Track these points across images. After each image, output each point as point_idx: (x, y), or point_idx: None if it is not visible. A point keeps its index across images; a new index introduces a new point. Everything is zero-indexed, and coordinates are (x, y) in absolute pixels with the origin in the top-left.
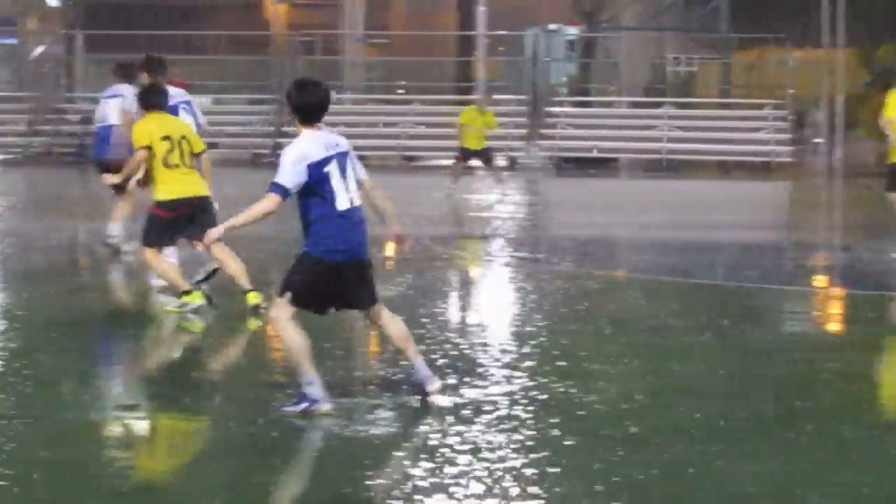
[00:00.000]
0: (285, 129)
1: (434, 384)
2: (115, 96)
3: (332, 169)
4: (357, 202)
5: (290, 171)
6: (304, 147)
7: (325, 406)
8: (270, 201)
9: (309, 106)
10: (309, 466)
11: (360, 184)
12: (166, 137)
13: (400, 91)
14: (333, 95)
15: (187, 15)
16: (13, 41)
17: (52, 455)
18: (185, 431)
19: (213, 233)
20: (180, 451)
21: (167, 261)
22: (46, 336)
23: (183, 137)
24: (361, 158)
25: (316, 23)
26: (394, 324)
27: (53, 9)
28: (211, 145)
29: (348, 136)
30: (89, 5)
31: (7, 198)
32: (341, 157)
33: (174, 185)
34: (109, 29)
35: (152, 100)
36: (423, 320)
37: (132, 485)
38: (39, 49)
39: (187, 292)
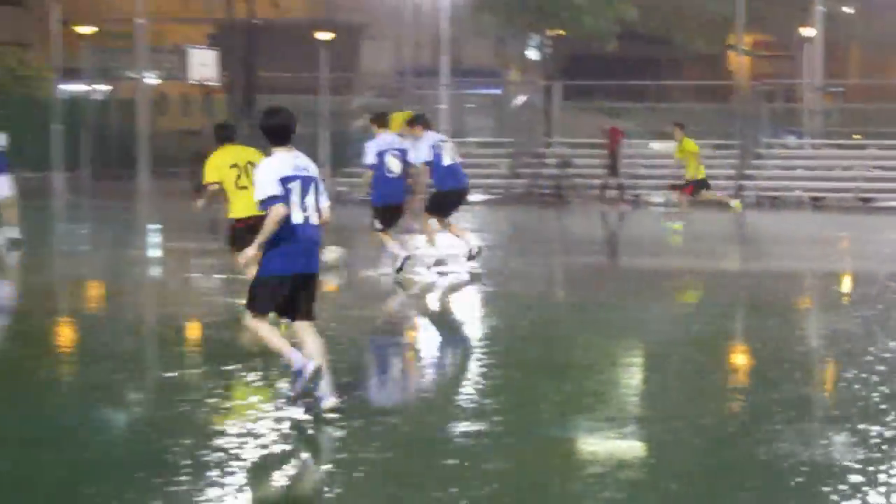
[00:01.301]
0: (747, 171)
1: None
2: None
3: (295, 186)
4: (313, 221)
5: (267, 182)
6: (274, 164)
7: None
8: (274, 213)
9: (275, 128)
10: None
11: (319, 210)
12: (234, 165)
13: (856, 136)
14: (793, 140)
15: (656, 66)
16: (497, 91)
17: None
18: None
19: (248, 251)
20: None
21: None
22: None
23: (249, 163)
24: (818, 200)
25: (776, 73)
26: (313, 338)
27: (534, 62)
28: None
29: (807, 179)
30: (566, 58)
31: (494, 234)
32: (306, 180)
33: (245, 203)
34: (585, 79)
35: (223, 134)
36: None
37: None
38: (521, 98)
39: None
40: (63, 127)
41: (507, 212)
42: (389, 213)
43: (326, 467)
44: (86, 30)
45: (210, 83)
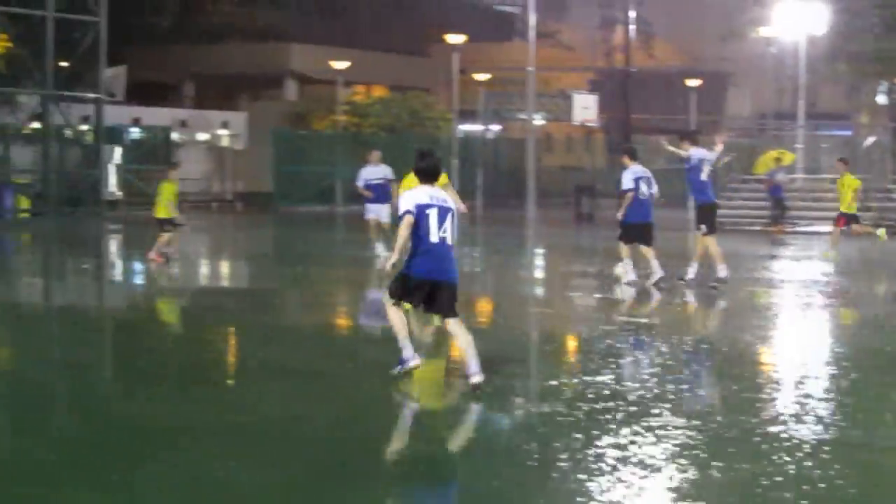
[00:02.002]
0: None
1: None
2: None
3: (432, 213)
4: (448, 242)
5: (405, 204)
6: (416, 193)
7: (413, 363)
8: (405, 223)
9: (425, 169)
10: None
11: (453, 234)
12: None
13: None
14: None
15: None
16: (848, 133)
17: None
18: None
19: (392, 257)
20: None
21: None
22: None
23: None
24: None
25: None
26: (462, 332)
27: (883, 106)
28: None
29: None
30: None
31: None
32: (443, 209)
33: None
34: None
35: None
36: None
37: None
38: (870, 139)
39: None
40: (459, 162)
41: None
42: (639, 229)
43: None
44: (482, 77)
45: (590, 124)
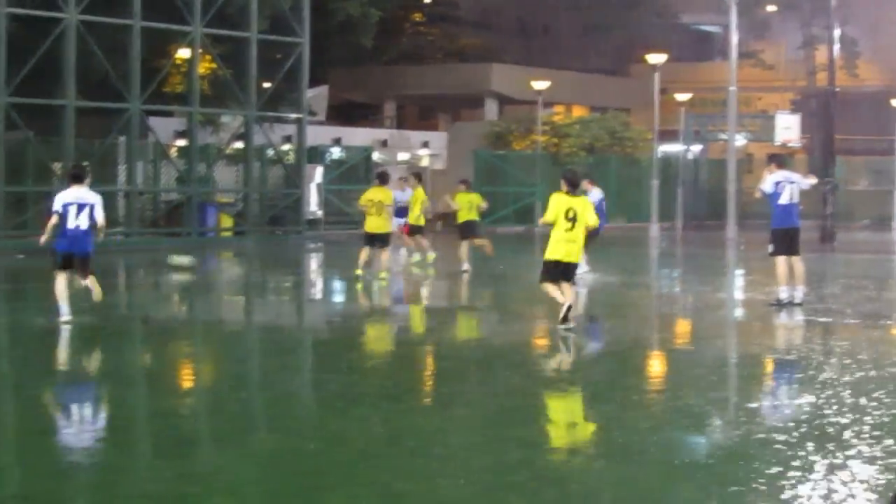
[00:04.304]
0: None
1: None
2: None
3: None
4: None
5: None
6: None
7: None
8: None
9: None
10: None
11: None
12: (569, 209)
13: None
14: None
15: None
16: None
17: None
18: None
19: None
20: None
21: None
22: None
23: (576, 208)
24: None
25: None
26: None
27: None
28: None
29: None
30: None
31: None
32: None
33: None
34: None
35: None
36: None
37: None
38: None
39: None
40: (659, 182)
41: None
42: (785, 234)
43: None
44: (682, 97)
45: (792, 144)
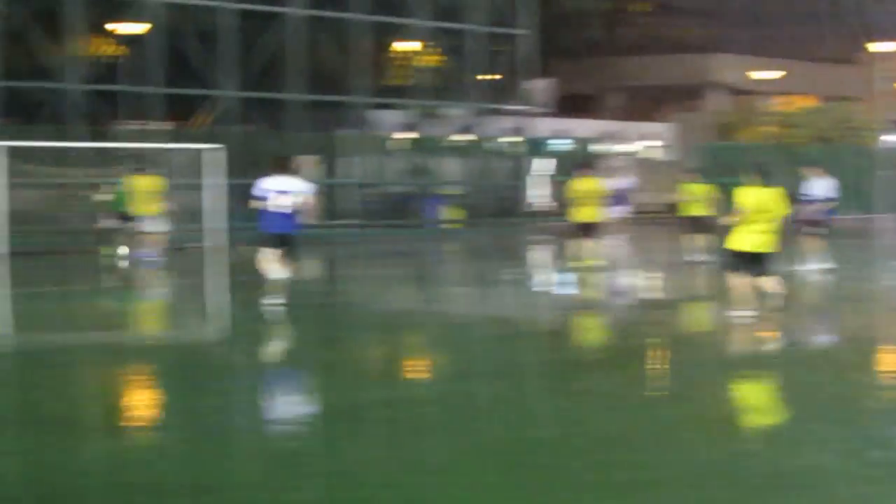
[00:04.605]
0: None
1: None
2: None
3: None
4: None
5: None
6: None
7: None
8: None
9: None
10: None
11: None
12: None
13: None
14: None
15: None
16: None
17: None
18: None
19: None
20: None
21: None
22: None
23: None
24: None
25: None
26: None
27: None
28: None
29: None
30: None
31: None
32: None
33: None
34: None
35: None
36: None
37: None
38: None
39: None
40: (887, 173)
41: None
42: None
43: None
44: None
45: None
